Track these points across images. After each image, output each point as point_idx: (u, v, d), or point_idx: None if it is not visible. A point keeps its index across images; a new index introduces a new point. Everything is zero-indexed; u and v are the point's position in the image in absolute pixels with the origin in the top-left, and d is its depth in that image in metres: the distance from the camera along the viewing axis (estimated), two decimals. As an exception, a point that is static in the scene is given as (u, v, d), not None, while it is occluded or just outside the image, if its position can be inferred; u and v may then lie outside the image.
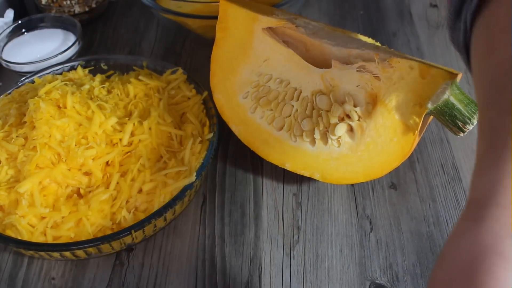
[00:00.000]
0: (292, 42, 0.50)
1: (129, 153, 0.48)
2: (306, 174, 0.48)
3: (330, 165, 0.47)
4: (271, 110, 0.49)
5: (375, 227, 0.49)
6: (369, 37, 0.53)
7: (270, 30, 0.50)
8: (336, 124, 0.46)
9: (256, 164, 0.54)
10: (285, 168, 0.49)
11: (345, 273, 0.45)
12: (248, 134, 0.50)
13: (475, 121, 0.42)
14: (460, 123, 0.42)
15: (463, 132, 0.43)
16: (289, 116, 0.49)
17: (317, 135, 0.47)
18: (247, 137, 0.51)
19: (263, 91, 0.49)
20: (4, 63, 0.62)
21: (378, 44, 0.51)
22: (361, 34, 0.54)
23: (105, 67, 0.60)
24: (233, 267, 0.46)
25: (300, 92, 0.48)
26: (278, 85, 0.49)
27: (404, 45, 0.69)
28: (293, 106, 0.49)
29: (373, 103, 0.46)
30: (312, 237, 0.48)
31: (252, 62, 0.50)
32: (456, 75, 0.42)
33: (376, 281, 0.45)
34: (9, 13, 0.68)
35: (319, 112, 0.47)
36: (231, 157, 0.55)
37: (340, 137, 0.46)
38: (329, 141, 0.47)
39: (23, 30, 0.67)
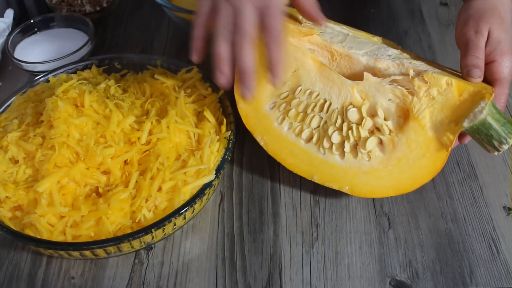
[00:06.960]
0: (318, 50, 0.50)
1: (147, 152, 0.48)
2: (335, 187, 0.47)
3: (360, 179, 0.46)
4: (299, 121, 0.48)
5: (393, 224, 0.49)
6: (381, 37, 0.53)
7: (297, 40, 0.49)
8: (367, 137, 0.45)
9: (272, 162, 0.54)
10: (312, 180, 0.48)
11: (365, 270, 0.46)
12: (274, 145, 0.50)
13: (511, 141, 0.42)
14: (496, 143, 0.42)
15: (498, 151, 0.42)
16: (318, 128, 0.48)
17: (347, 148, 0.46)
18: (273, 148, 0.50)
19: (291, 102, 0.49)
20: (16, 63, 0.62)
21: (400, 47, 0.51)
22: (372, 33, 0.54)
23: (119, 66, 0.60)
24: (253, 265, 0.46)
25: (330, 104, 0.47)
26: (307, 97, 0.48)
27: (415, 43, 0.69)
28: (322, 118, 0.48)
29: (404, 117, 0.45)
30: (331, 234, 0.48)
31: None
32: (493, 93, 0.42)
33: (396, 277, 0.45)
34: (9, 13, 0.67)
35: (350, 125, 0.46)
36: (248, 155, 0.55)
37: (370, 151, 0.46)
38: (359, 154, 0.46)
39: (35, 29, 0.67)
